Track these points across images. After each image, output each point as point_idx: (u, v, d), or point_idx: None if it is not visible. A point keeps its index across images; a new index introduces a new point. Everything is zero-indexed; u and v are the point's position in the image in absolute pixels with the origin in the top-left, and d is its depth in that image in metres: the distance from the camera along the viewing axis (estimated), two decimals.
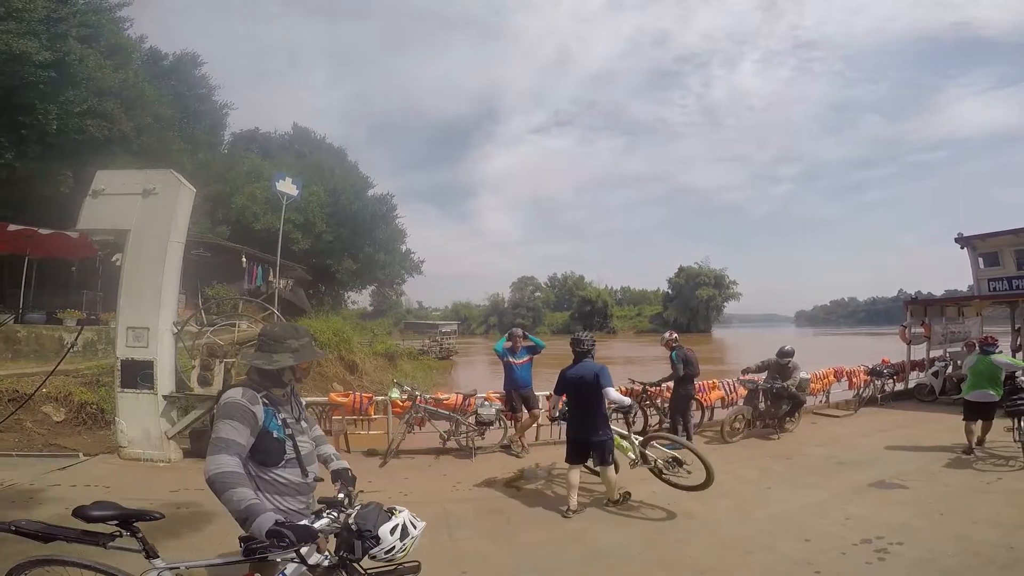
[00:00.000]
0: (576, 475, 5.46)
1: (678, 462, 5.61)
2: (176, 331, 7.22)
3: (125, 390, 6.90)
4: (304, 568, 2.23)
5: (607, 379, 5.30)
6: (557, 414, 5.99)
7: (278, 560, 2.19)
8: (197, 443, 7.11)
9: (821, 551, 4.25)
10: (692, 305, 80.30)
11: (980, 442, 7.35)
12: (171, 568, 2.37)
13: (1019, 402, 6.79)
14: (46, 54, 16.14)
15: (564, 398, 5.72)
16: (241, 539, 2.15)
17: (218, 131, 35.40)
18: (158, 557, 2.37)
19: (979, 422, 7.25)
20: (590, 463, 5.70)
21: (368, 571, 2.30)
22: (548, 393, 7.57)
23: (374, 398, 8.19)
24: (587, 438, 5.37)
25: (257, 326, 8.81)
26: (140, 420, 6.85)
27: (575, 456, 5.49)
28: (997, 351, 7.39)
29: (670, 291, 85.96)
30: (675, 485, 5.61)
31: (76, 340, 9.72)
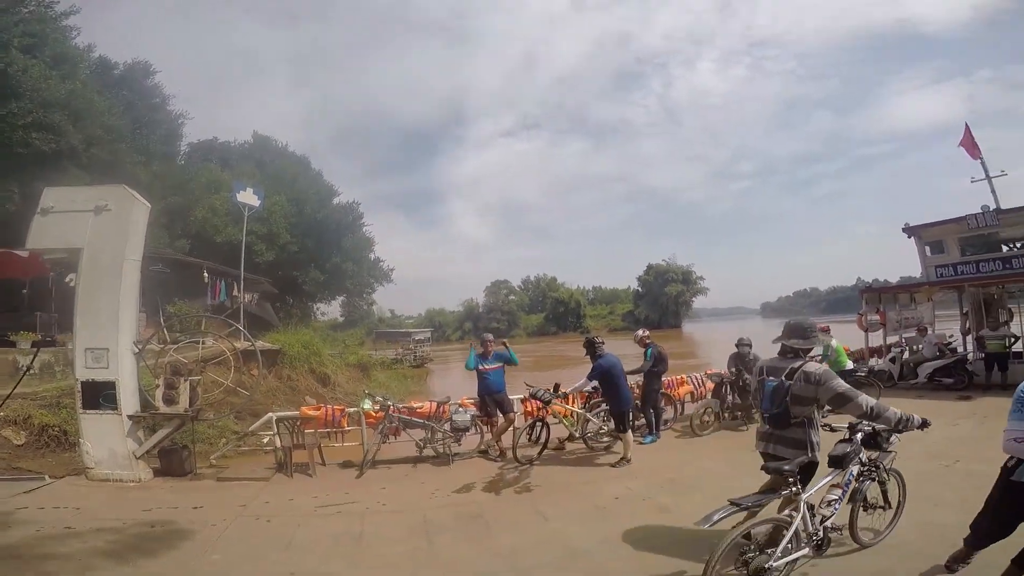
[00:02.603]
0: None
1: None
2: (137, 351, 7.03)
3: (87, 411, 6.70)
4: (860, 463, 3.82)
5: None
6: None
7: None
8: (167, 461, 6.95)
9: None
10: (662, 301, 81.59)
11: None
12: (808, 497, 3.46)
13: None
14: None
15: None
16: (831, 458, 3.66)
17: (174, 141, 34.41)
18: (802, 492, 3.43)
19: None
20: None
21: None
22: (524, 396, 8.10)
23: (346, 410, 8.12)
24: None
25: (223, 343, 8.62)
26: (105, 441, 6.66)
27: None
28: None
29: (640, 289, 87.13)
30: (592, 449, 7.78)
31: (32, 363, 9.35)
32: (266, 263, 32.14)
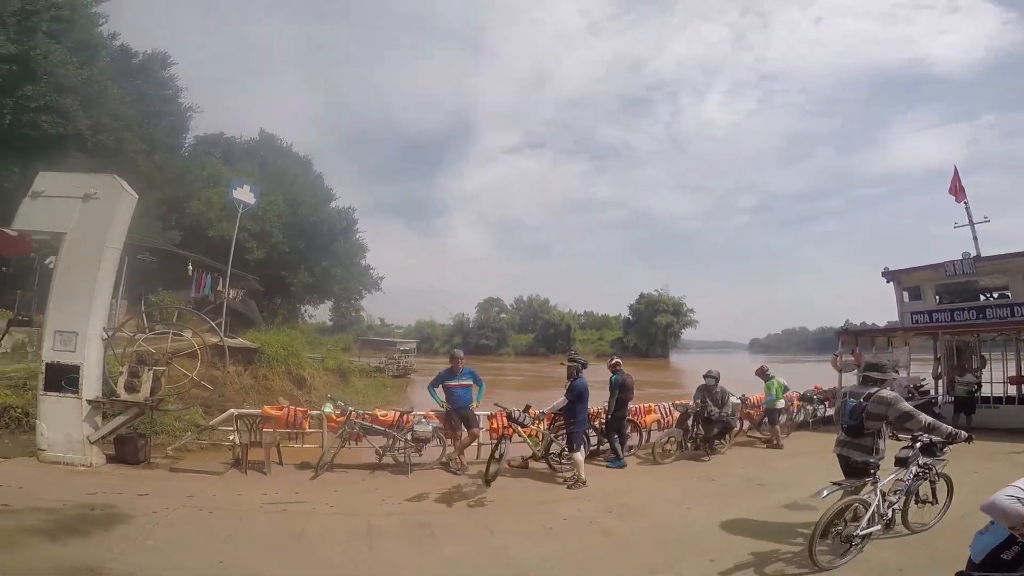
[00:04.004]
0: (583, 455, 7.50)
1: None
2: (106, 337, 7.06)
3: (48, 393, 6.74)
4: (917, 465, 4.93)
5: None
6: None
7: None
8: (121, 449, 6.94)
9: (721, 571, 4.40)
10: (651, 331, 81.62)
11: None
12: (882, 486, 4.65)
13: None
14: (11, 47, 15.80)
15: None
16: (897, 459, 4.91)
17: (180, 133, 34.86)
18: (879, 482, 4.69)
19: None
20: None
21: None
22: (490, 413, 8.31)
23: (309, 412, 8.12)
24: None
25: (198, 338, 8.64)
26: (62, 424, 6.67)
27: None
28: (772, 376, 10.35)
29: (630, 317, 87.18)
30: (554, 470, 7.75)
31: (1, 340, 9.34)
32: (256, 260, 32.19)
